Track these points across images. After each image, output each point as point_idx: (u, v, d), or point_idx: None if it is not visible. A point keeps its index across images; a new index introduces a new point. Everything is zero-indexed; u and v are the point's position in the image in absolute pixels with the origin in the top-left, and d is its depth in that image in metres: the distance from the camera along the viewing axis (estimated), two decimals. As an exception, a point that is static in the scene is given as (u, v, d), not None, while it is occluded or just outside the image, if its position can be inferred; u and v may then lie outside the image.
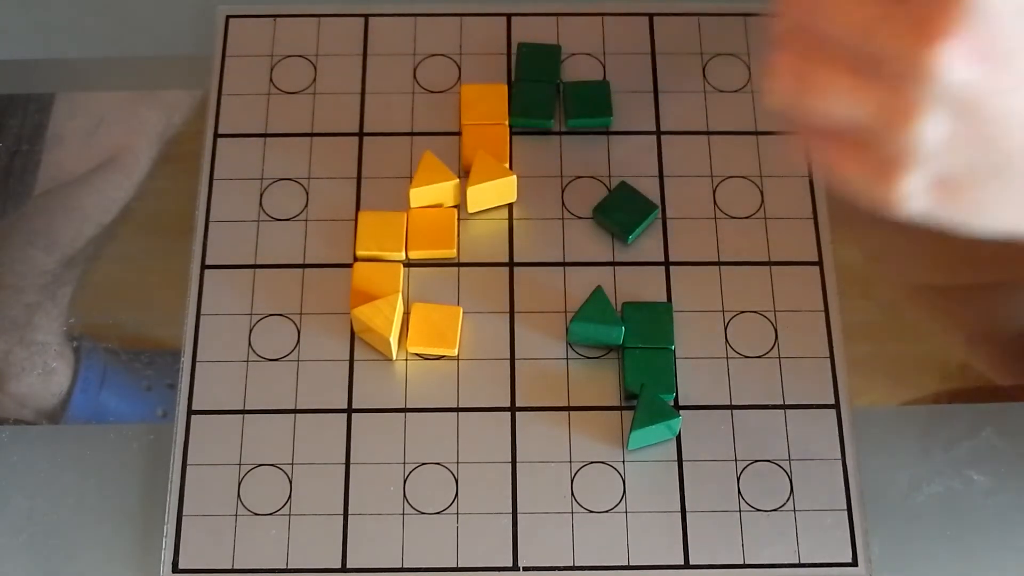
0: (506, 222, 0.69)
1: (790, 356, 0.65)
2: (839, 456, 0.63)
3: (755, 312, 0.66)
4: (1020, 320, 0.69)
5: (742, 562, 0.61)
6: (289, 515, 0.62)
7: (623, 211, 0.68)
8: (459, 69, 0.73)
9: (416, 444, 0.63)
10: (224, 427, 0.64)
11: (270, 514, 0.62)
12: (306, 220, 0.68)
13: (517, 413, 0.64)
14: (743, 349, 0.65)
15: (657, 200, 0.69)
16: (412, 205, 0.68)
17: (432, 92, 0.72)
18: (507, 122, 0.70)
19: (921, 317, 0.69)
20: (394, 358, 0.65)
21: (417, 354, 0.65)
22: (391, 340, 0.64)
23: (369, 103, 0.72)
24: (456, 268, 0.67)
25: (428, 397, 0.64)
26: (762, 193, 0.69)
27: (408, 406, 0.64)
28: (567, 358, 0.65)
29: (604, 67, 0.73)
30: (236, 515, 0.62)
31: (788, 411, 0.64)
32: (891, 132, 0.43)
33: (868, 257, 0.69)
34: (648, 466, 0.63)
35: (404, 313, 0.66)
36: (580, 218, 0.68)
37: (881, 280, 0.70)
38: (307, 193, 0.69)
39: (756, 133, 0.71)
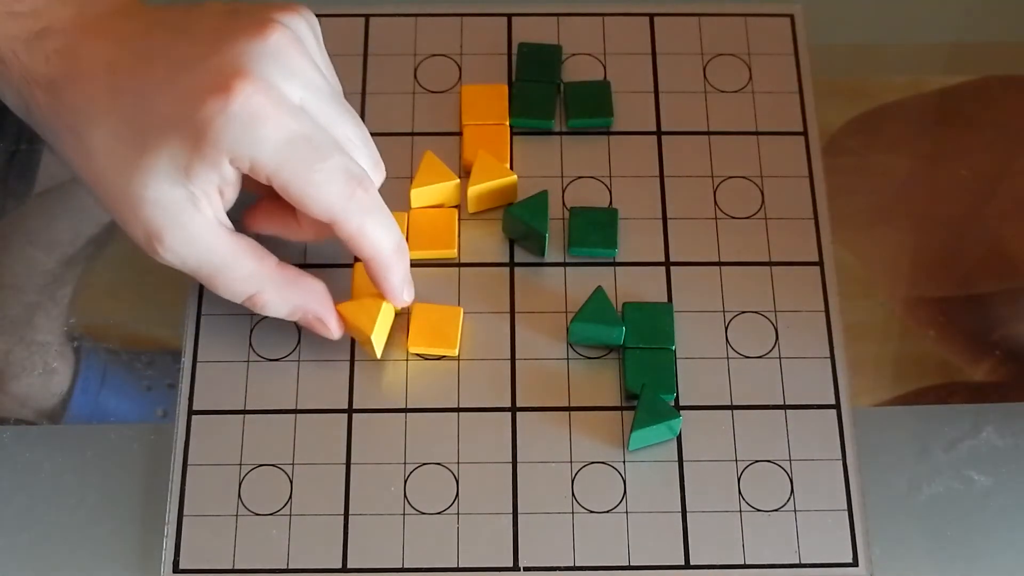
0: (506, 222, 0.69)
1: (790, 356, 0.65)
2: (839, 456, 0.63)
3: (755, 312, 0.66)
4: (1014, 329, 0.69)
5: (742, 562, 0.61)
6: (290, 515, 0.62)
7: (592, 233, 0.67)
8: (459, 69, 0.73)
9: (416, 444, 0.63)
10: (224, 427, 0.64)
11: (271, 514, 0.62)
12: (306, 220, 0.68)
13: (517, 413, 0.64)
14: (743, 349, 0.65)
15: (657, 203, 0.69)
16: (412, 205, 0.68)
17: (432, 92, 0.72)
18: (508, 122, 0.70)
19: (916, 327, 0.69)
20: (379, 357, 0.64)
21: (417, 354, 0.65)
22: (372, 338, 0.63)
23: (369, 103, 0.72)
24: (457, 268, 0.67)
25: (428, 397, 0.64)
26: (762, 193, 0.69)
27: (408, 406, 0.64)
28: (568, 358, 0.65)
29: (604, 67, 0.73)
30: (237, 515, 0.62)
31: (788, 411, 0.64)
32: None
33: (865, 265, 0.69)
34: (648, 466, 0.63)
35: (404, 313, 0.66)
36: (580, 218, 0.68)
37: (880, 282, 0.70)
38: (307, 193, 0.69)
39: (756, 133, 0.71)
